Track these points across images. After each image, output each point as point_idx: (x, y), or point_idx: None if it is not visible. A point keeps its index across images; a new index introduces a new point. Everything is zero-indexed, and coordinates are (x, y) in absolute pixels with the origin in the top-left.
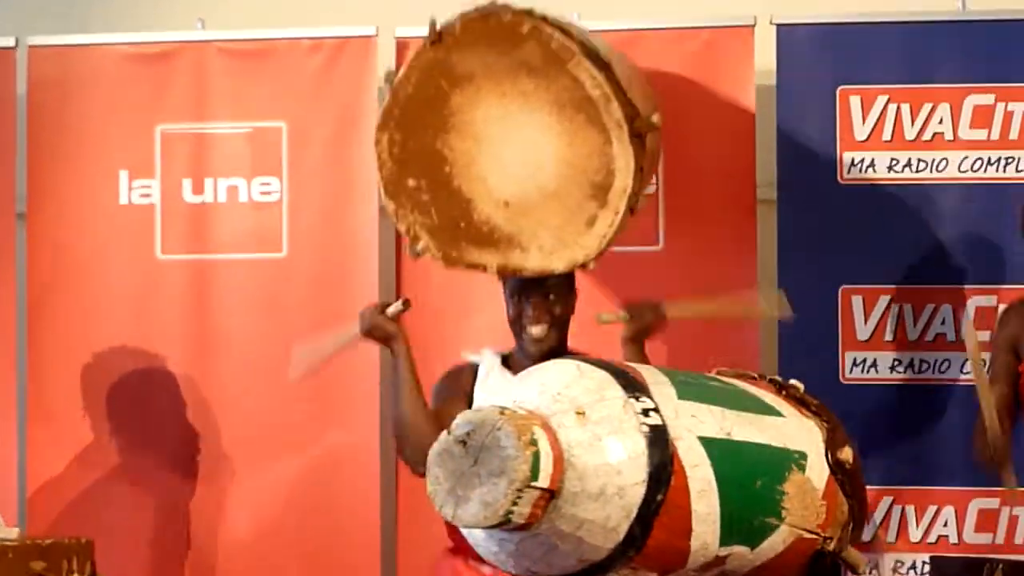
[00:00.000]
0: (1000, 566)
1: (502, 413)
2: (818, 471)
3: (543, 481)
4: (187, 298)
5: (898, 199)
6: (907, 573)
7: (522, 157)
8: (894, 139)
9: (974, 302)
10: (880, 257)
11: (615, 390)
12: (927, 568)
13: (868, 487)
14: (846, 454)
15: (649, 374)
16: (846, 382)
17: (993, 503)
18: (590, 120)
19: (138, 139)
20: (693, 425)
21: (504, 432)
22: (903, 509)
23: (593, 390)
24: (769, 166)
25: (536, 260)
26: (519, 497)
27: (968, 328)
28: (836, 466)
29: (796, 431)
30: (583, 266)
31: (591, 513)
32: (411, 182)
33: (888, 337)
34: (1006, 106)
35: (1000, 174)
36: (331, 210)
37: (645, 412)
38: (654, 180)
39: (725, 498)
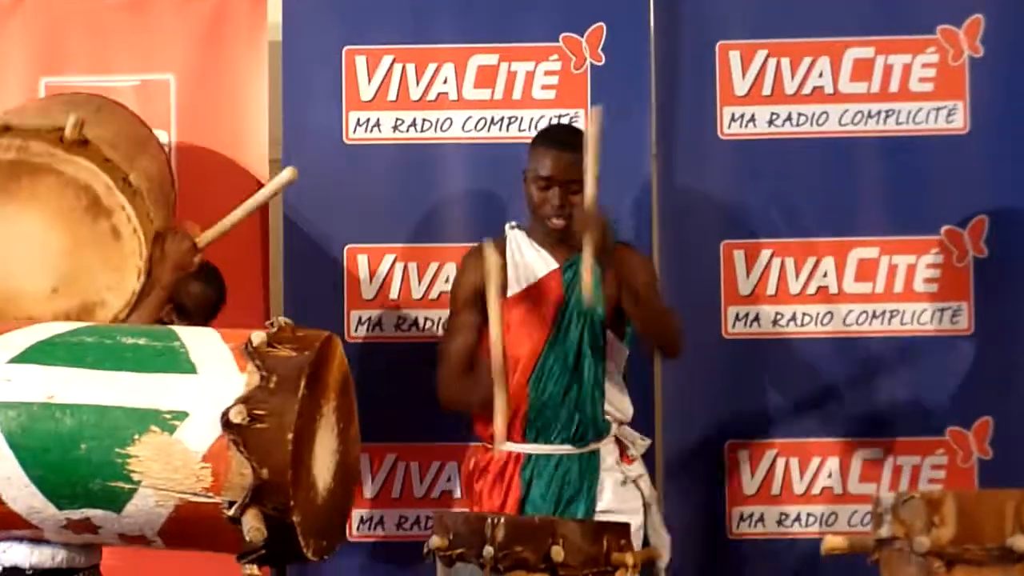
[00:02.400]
0: (501, 520)
1: None
2: (204, 431)
3: None
4: None
5: (403, 159)
6: (411, 528)
7: (29, 242)
8: (399, 99)
9: None
10: (384, 216)
11: None
12: (431, 523)
13: (373, 445)
14: (236, 413)
15: (14, 339)
16: (352, 340)
17: None
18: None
19: None
20: None
21: None
22: (407, 465)
23: None
24: (278, 126)
25: (117, 303)
26: None
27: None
28: (226, 426)
29: (192, 389)
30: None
31: None
32: None
33: (393, 296)
34: (509, 66)
35: (503, 133)
36: None
37: None
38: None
39: (32, 462)
